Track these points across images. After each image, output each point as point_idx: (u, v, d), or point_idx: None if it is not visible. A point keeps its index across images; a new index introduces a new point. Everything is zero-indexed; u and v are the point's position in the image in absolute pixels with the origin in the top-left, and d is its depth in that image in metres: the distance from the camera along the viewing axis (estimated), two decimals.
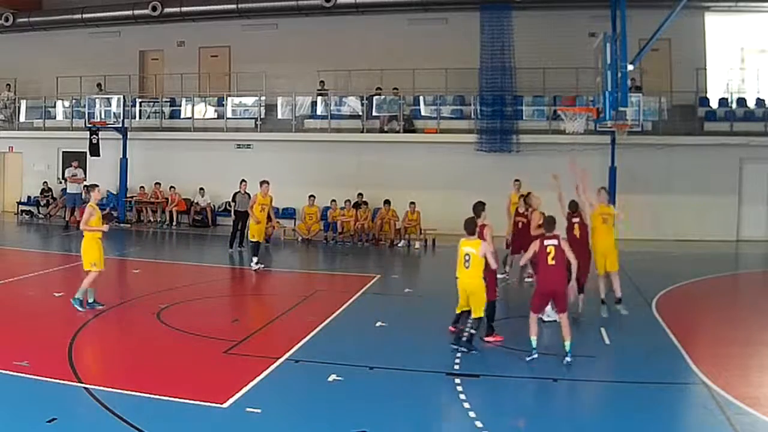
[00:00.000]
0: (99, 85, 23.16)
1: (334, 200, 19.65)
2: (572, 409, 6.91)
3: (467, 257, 8.38)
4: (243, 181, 16.95)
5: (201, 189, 21.75)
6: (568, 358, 8.06)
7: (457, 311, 8.77)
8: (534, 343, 8.22)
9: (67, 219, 21.35)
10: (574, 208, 10.41)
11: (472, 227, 8.60)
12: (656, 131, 19.41)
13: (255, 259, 14.20)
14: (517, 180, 14.29)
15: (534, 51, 19.52)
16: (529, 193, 12.02)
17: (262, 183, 14.73)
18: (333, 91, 22.21)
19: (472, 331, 8.49)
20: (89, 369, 7.51)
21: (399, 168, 20.58)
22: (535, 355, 8.18)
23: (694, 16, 19.76)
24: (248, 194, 16.17)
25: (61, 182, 23.26)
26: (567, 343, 8.14)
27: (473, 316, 8.44)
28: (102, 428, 6.08)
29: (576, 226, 10.34)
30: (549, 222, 8.58)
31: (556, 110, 19.44)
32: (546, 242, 8.34)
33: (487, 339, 9.07)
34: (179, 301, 11.27)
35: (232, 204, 17.81)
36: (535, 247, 8.45)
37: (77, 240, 19.25)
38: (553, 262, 8.24)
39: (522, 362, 8.16)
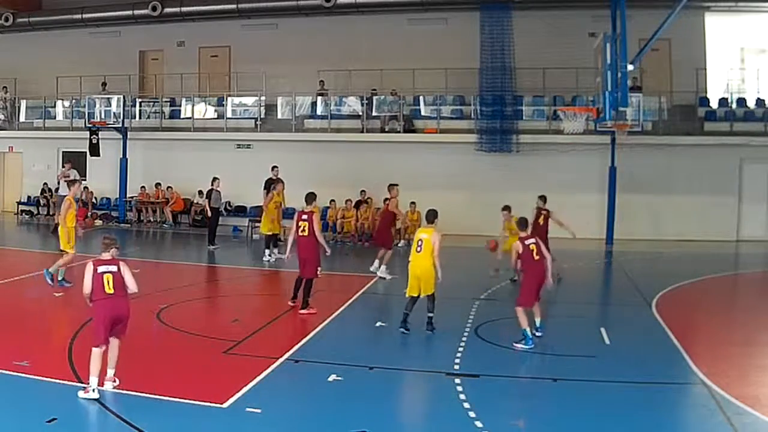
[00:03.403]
0: (104, 84, 23.03)
1: (333, 200, 19.62)
2: (572, 409, 6.89)
3: (420, 243, 9.72)
4: (215, 178, 17.40)
5: (199, 192, 21.65)
6: (537, 333, 9.02)
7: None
8: (528, 332, 8.78)
9: (56, 221, 21.23)
10: None
11: (431, 217, 10.04)
12: (656, 131, 19.39)
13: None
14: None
15: (534, 51, 19.48)
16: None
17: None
18: (333, 91, 22.19)
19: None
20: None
21: (399, 168, 20.51)
22: (535, 339, 8.85)
23: (694, 16, 19.71)
24: (219, 192, 17.52)
25: (58, 183, 23.24)
26: (538, 320, 9.21)
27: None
28: (102, 428, 6.09)
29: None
30: (521, 222, 9.63)
31: (556, 110, 19.44)
32: (526, 242, 9.23)
33: None
34: (179, 301, 11.27)
35: (206, 201, 18.00)
36: (517, 248, 9.30)
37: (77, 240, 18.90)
38: (538, 257, 9.13)
39: (522, 362, 8.16)
